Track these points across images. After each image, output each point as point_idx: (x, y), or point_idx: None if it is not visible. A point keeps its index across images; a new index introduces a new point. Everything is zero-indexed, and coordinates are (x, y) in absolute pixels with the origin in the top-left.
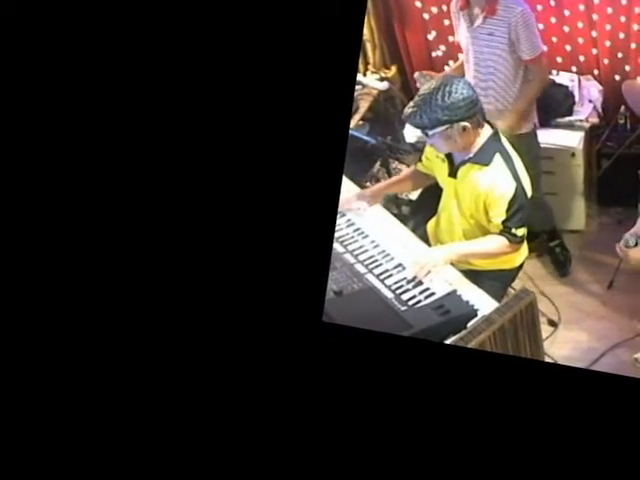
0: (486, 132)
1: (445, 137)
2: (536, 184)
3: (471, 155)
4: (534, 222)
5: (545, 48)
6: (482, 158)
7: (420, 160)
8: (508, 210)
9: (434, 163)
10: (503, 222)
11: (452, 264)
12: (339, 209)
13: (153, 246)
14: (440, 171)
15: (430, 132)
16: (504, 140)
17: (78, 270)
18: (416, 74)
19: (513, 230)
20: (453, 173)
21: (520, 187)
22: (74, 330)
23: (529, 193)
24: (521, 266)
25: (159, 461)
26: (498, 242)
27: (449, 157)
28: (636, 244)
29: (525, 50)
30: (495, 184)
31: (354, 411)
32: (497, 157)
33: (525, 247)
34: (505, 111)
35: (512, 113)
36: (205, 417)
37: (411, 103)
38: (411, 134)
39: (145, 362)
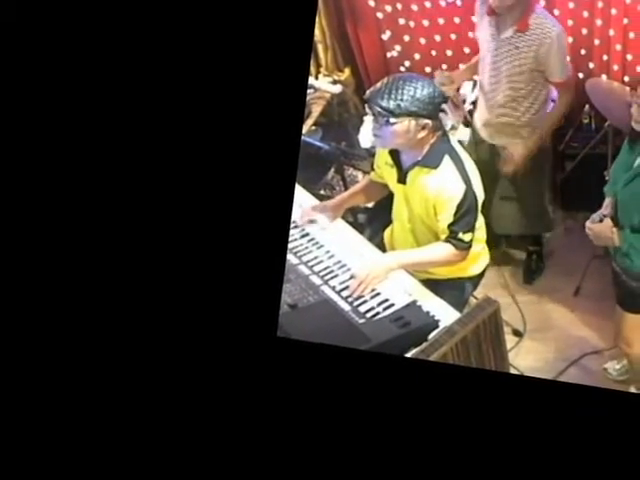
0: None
1: (404, 130)
2: (538, 195)
3: (419, 158)
4: (532, 228)
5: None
6: (430, 161)
7: (372, 169)
8: (456, 213)
9: (384, 170)
10: (450, 226)
11: (410, 273)
12: (298, 223)
13: (110, 260)
14: (389, 177)
15: (392, 120)
16: (454, 141)
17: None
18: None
19: (460, 235)
20: (402, 179)
21: (470, 190)
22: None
23: (480, 196)
24: (482, 274)
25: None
26: (444, 250)
27: (397, 162)
28: (601, 220)
29: (556, 72)
30: (443, 187)
31: (312, 430)
32: (446, 159)
33: (487, 254)
34: (515, 125)
35: (521, 127)
36: (157, 436)
37: (379, 85)
38: (366, 139)
39: (98, 376)
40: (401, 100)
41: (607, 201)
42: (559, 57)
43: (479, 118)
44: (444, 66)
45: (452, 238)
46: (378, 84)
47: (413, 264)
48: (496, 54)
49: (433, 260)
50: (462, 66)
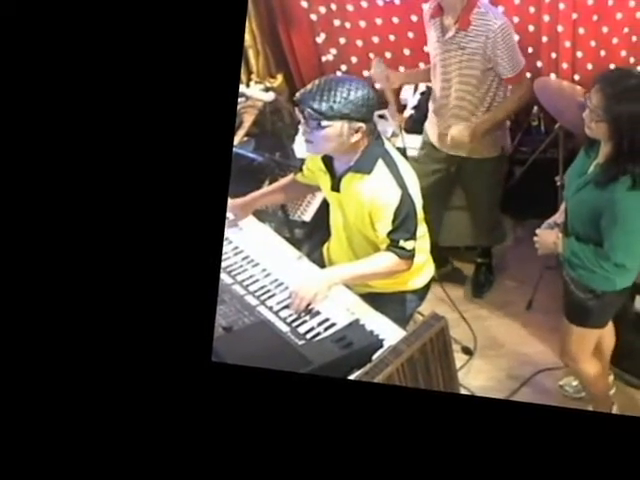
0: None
1: (336, 133)
2: (492, 207)
3: (352, 164)
4: (487, 240)
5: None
6: (363, 166)
7: (300, 170)
8: (394, 220)
9: (317, 175)
10: (389, 234)
11: (350, 288)
12: None
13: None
14: (323, 184)
15: (324, 123)
16: (388, 144)
17: None
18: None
19: (401, 243)
20: (335, 186)
21: (406, 194)
22: None
23: (418, 201)
24: (428, 287)
25: None
26: (387, 259)
27: (330, 169)
28: (552, 229)
29: (506, 68)
30: (378, 193)
31: (250, 460)
32: (379, 163)
33: (431, 266)
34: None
35: (478, 135)
36: (84, 467)
37: (310, 86)
38: (302, 149)
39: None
40: (334, 102)
41: (562, 207)
42: (506, 51)
43: (431, 128)
44: None
45: (393, 247)
46: (309, 85)
47: (356, 277)
48: (443, 57)
49: (377, 271)
50: (402, 69)
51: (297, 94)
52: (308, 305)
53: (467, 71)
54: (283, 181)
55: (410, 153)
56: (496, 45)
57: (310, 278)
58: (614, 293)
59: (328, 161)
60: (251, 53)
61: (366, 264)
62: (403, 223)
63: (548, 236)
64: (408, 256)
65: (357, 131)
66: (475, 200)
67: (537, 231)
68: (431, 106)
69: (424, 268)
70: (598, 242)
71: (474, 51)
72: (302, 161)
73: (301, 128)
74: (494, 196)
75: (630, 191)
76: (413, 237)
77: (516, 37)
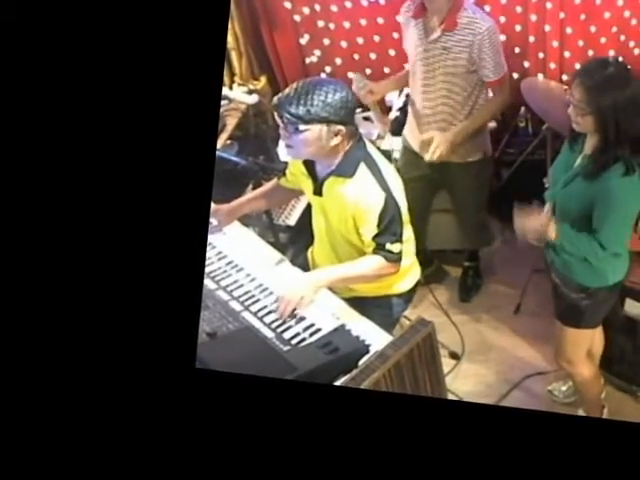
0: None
1: (316, 137)
2: (479, 210)
3: (333, 167)
4: (473, 243)
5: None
6: (345, 169)
7: (284, 175)
8: (379, 224)
9: (300, 179)
10: (375, 238)
11: (335, 292)
12: None
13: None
14: (306, 188)
15: (302, 127)
16: (370, 147)
17: None
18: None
19: (388, 246)
20: (318, 190)
21: (390, 197)
22: None
23: (403, 204)
24: (414, 291)
25: None
26: (374, 262)
27: (312, 173)
28: None
29: (490, 70)
30: (361, 196)
31: (235, 467)
32: (362, 167)
33: (417, 270)
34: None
35: (457, 144)
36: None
37: (287, 90)
38: (286, 152)
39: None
40: (311, 105)
41: (546, 207)
42: (491, 54)
43: (411, 133)
44: (368, 70)
45: (380, 250)
46: (287, 89)
47: (343, 279)
48: (426, 58)
49: (364, 274)
50: (387, 70)
51: (275, 99)
52: (294, 310)
53: (451, 73)
54: (267, 186)
55: (396, 155)
56: (482, 47)
57: (296, 281)
58: (606, 289)
59: (310, 165)
60: (234, 55)
61: (353, 267)
62: (388, 226)
63: (535, 220)
64: (395, 259)
65: (337, 134)
66: (460, 203)
67: (516, 209)
68: (410, 110)
69: (410, 271)
70: (589, 234)
71: (459, 53)
72: (285, 165)
73: (281, 133)
74: (479, 199)
75: (624, 177)
76: (399, 240)
77: (503, 37)
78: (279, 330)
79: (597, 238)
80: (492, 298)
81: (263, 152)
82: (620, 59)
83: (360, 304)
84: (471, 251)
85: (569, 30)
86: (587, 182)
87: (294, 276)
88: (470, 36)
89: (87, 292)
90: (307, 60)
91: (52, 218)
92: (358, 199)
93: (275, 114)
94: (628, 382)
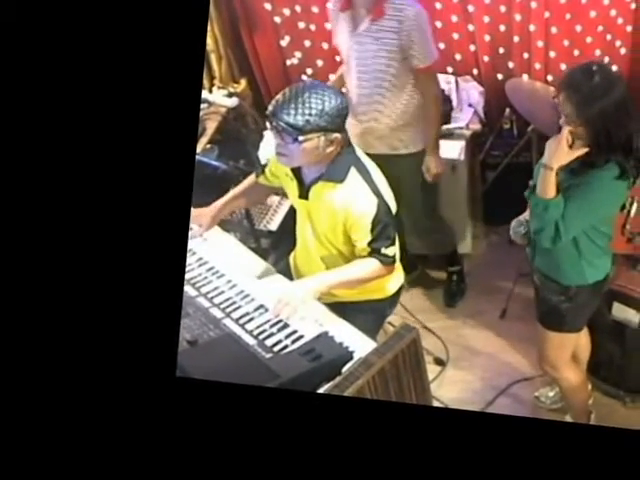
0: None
1: (314, 147)
2: (430, 209)
3: (323, 172)
4: (428, 247)
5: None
6: (335, 174)
7: (263, 173)
8: (373, 230)
9: (283, 180)
10: (370, 244)
11: (317, 298)
12: None
13: None
14: (290, 191)
15: (301, 137)
16: (359, 151)
17: None
18: None
19: (383, 250)
20: (304, 194)
21: (382, 202)
22: None
23: (393, 206)
24: (397, 295)
25: None
26: (371, 265)
27: (298, 177)
28: (525, 233)
29: (419, 57)
30: (353, 202)
31: (217, 477)
32: (352, 172)
33: (400, 273)
34: (392, 127)
35: (399, 129)
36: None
37: (281, 97)
38: (267, 156)
39: None
40: (309, 115)
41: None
42: (421, 39)
43: (351, 130)
44: None
45: (375, 254)
46: (280, 96)
47: (340, 284)
48: (358, 51)
49: (362, 277)
50: (332, 77)
51: (269, 107)
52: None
53: (384, 64)
54: (245, 184)
55: None
56: (411, 33)
57: (296, 285)
58: (586, 291)
59: (295, 168)
60: (213, 58)
61: (351, 271)
62: (382, 231)
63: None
64: (390, 262)
65: (333, 142)
66: (435, 205)
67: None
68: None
69: (393, 276)
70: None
71: (390, 41)
72: (264, 163)
73: (275, 141)
74: (455, 199)
75: (617, 180)
76: (393, 243)
77: (487, 37)
78: (261, 337)
79: (560, 224)
80: (477, 303)
81: (243, 156)
82: (604, 63)
83: (343, 310)
84: (454, 255)
85: (554, 30)
86: (571, 175)
87: (288, 288)
88: (398, 23)
89: (64, 298)
90: (288, 62)
91: (25, 224)
92: (349, 205)
93: (269, 124)
94: (616, 387)
